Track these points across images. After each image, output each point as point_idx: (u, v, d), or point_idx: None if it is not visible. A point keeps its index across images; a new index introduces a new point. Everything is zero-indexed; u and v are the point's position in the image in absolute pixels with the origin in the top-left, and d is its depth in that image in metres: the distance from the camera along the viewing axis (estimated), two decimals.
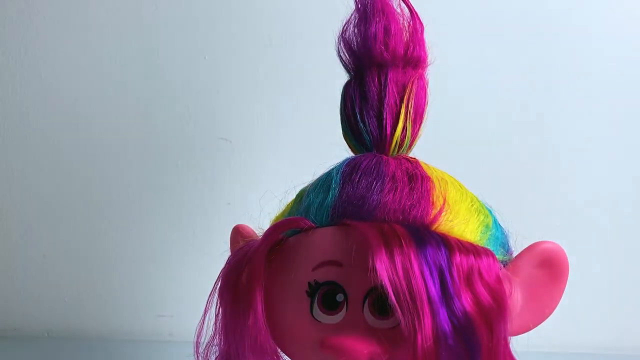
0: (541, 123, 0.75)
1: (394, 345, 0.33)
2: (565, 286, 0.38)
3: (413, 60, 0.42)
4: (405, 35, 0.42)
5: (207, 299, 0.37)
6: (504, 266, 0.37)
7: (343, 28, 0.43)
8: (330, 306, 0.35)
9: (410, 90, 0.41)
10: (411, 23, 0.42)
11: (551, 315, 0.38)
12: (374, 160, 0.39)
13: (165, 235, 0.76)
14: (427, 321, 0.30)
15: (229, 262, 0.38)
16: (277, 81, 0.75)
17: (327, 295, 0.35)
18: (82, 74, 0.76)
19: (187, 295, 0.76)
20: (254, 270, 0.35)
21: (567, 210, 0.74)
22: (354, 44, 0.43)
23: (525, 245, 0.37)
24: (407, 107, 0.40)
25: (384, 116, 0.40)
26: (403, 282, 0.30)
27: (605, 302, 0.75)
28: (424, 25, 0.43)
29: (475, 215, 0.37)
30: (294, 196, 0.41)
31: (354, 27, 0.43)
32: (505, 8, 0.74)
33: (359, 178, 0.37)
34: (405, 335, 0.31)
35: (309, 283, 0.35)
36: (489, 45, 0.74)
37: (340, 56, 0.43)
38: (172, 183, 0.76)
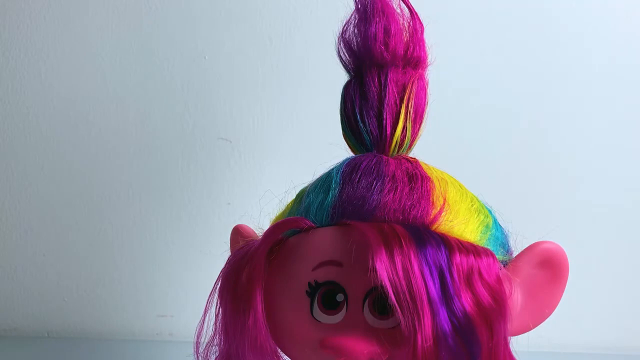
0: (541, 122, 0.75)
1: (394, 345, 0.33)
2: (565, 286, 0.38)
3: (413, 60, 0.42)
4: (405, 36, 0.42)
5: (207, 299, 0.37)
6: (504, 266, 0.37)
7: (343, 28, 0.43)
8: (330, 306, 0.35)
9: (410, 90, 0.41)
10: (411, 23, 0.42)
11: (552, 315, 0.38)
12: (374, 160, 0.39)
13: (165, 235, 0.76)
14: (427, 321, 0.30)
15: (229, 262, 0.38)
16: (278, 81, 0.75)
17: (327, 295, 0.35)
18: (82, 73, 0.76)
19: (188, 295, 0.76)
20: (254, 270, 0.35)
21: (567, 210, 0.74)
22: (354, 44, 0.43)
23: (526, 245, 0.38)
24: (407, 107, 0.40)
25: (384, 116, 0.40)
26: (403, 282, 0.30)
27: (607, 302, 0.74)
28: (424, 25, 0.42)
29: (475, 215, 0.37)
30: (293, 196, 0.41)
31: (353, 27, 0.43)
32: (505, 7, 0.74)
33: (359, 178, 0.37)
34: (405, 335, 0.31)
35: (309, 283, 0.35)
36: (489, 44, 0.74)
37: (340, 56, 0.43)
38: (172, 183, 0.75)
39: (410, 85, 0.41)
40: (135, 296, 0.77)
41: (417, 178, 0.36)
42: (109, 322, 0.78)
